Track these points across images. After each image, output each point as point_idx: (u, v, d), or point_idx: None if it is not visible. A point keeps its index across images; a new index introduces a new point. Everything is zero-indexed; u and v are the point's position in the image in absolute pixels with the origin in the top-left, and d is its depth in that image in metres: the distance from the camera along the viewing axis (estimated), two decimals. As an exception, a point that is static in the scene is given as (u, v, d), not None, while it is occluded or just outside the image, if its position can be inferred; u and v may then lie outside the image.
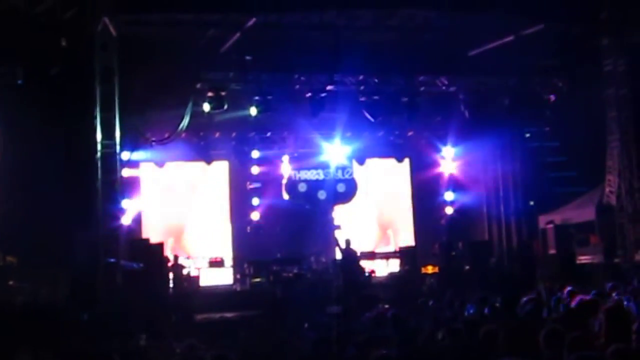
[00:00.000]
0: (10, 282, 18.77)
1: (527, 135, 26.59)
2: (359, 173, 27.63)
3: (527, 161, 26.30)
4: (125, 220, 22.17)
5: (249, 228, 26.25)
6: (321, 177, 27.04)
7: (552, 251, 22.95)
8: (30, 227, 19.65)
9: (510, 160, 26.79)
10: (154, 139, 23.69)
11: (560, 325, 7.11)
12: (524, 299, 11.87)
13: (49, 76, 19.55)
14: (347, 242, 23.37)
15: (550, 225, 23.32)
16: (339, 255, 25.26)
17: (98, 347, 8.42)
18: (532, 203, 25.88)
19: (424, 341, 8.50)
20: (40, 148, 19.64)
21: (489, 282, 20.66)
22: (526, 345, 6.71)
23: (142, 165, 25.19)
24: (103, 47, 19.42)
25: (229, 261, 26.14)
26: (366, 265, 24.84)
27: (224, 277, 25.94)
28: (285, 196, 26.66)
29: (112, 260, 19.93)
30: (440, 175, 27.78)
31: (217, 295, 23.33)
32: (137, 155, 23.80)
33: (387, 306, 14.55)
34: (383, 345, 7.66)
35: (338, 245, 22.49)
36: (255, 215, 26.30)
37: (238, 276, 25.67)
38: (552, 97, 24.54)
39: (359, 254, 23.91)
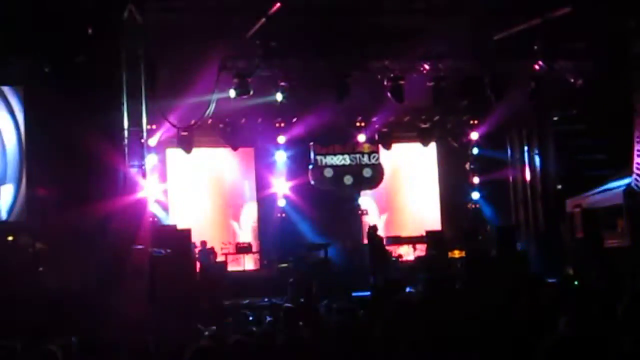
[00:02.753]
0: (41, 269, 18.94)
1: (555, 118, 26.43)
2: (386, 158, 27.58)
3: (554, 145, 26.16)
4: (153, 206, 22.31)
5: (275, 214, 26.30)
6: (347, 162, 27.01)
7: (579, 235, 22.86)
8: (59, 214, 19.81)
9: (537, 144, 26.67)
10: (180, 125, 23.79)
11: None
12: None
13: (75, 64, 19.66)
14: (374, 228, 23.45)
15: (578, 209, 23.21)
16: (366, 241, 25.40)
17: (126, 334, 8.49)
18: (559, 187, 25.76)
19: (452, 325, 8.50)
20: (67, 136, 19.76)
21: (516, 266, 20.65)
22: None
23: (168, 151, 25.29)
24: (129, 35, 19.51)
25: (255, 247, 26.22)
26: (393, 249, 24.90)
27: (251, 262, 26.05)
28: (312, 182, 26.66)
29: (140, 246, 20.08)
30: (466, 158, 27.69)
31: (244, 281, 23.45)
32: (163, 141, 23.89)
33: (413, 290, 14.58)
34: (409, 328, 7.67)
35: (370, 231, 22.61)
36: (281, 202, 26.35)
37: (265, 262, 25.77)
38: (580, 81, 24.34)
39: (384, 240, 24.00)
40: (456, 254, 24.22)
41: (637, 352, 5.12)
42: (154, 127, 22.50)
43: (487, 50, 22.67)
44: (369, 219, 26.85)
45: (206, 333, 10.67)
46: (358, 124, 26.51)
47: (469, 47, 22.26)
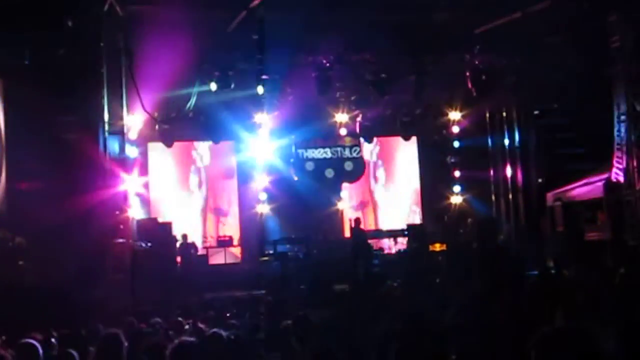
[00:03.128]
0: (20, 263, 18.85)
1: (536, 112, 26.52)
2: (367, 151, 27.61)
3: (535, 138, 26.26)
4: (133, 200, 22.24)
5: (256, 207, 26.27)
6: (329, 155, 27.03)
7: (560, 228, 22.96)
8: (38, 208, 19.71)
9: (519, 138, 26.75)
10: (161, 118, 23.73)
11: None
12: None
13: (55, 56, 19.55)
14: (357, 221, 23.45)
15: (558, 203, 23.31)
16: (347, 234, 25.44)
17: (106, 327, 8.45)
18: (540, 180, 25.86)
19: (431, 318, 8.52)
20: (47, 128, 19.67)
21: (496, 260, 20.71)
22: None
23: (149, 144, 25.22)
24: (110, 27, 19.43)
25: (237, 240, 26.20)
26: (374, 243, 24.92)
27: (233, 256, 26.02)
28: (293, 175, 26.64)
29: (121, 239, 20.03)
30: (447, 152, 27.74)
31: (226, 274, 23.43)
32: (144, 134, 23.81)
33: (395, 284, 14.59)
34: (390, 321, 7.69)
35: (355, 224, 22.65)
36: (262, 195, 26.32)
37: (246, 255, 25.75)
38: (560, 74, 24.42)
39: (367, 233, 24.02)
40: (437, 247, 24.28)
41: (622, 343, 5.15)
42: (134, 120, 22.38)
43: (469, 44, 22.70)
44: (351, 213, 26.90)
45: (186, 327, 10.66)
46: (339, 118, 26.45)
47: (451, 41, 22.26)
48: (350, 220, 24.15)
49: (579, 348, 4.09)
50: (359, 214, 26.45)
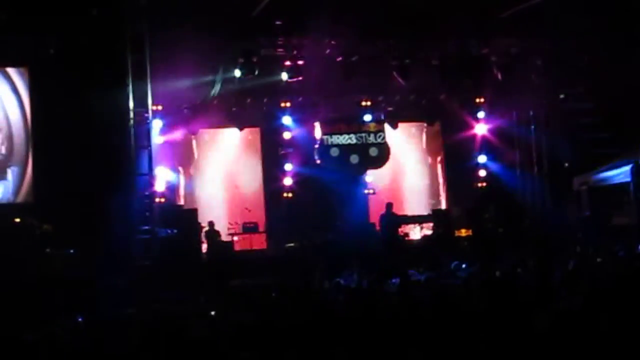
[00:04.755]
0: (47, 250, 19.00)
1: (561, 96, 26.34)
2: (392, 136, 27.53)
3: (561, 123, 26.08)
4: (159, 187, 22.33)
5: (282, 193, 26.28)
6: (353, 141, 26.94)
7: (587, 213, 22.84)
8: (65, 195, 19.85)
9: (544, 122, 26.59)
10: (185, 106, 23.77)
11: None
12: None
13: (80, 46, 19.64)
14: (389, 206, 23.50)
15: (585, 187, 23.18)
16: (372, 219, 25.45)
17: (132, 314, 8.51)
18: (566, 165, 25.70)
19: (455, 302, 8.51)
20: (73, 117, 19.80)
21: (522, 245, 20.67)
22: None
23: (174, 132, 25.25)
24: (133, 15, 19.49)
25: (262, 226, 26.23)
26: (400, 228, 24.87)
27: (258, 242, 26.05)
28: (318, 161, 26.61)
29: (147, 227, 20.14)
30: (472, 138, 27.59)
31: (251, 261, 23.46)
32: (169, 122, 23.86)
33: (418, 270, 14.56)
34: (415, 307, 7.69)
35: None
36: (287, 181, 26.31)
37: (272, 241, 25.78)
38: (587, 58, 24.26)
39: (399, 218, 24.06)
40: (463, 232, 24.22)
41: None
42: (159, 108, 22.43)
43: (493, 28, 22.58)
44: (376, 198, 26.88)
45: (212, 313, 10.69)
46: (364, 103, 26.38)
47: (476, 25, 22.15)
48: (385, 203, 24.12)
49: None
50: (385, 200, 26.43)
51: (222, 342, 6.06)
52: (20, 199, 21.59)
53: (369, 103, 26.32)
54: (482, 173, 27.29)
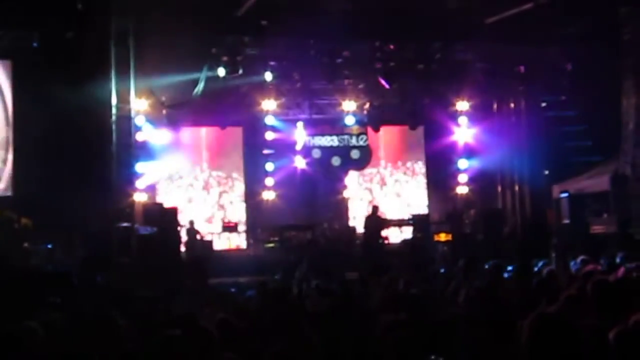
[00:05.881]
0: (25, 244, 18.88)
1: (543, 104, 26.43)
2: (374, 140, 27.57)
3: (543, 130, 26.15)
4: (140, 184, 22.26)
5: (262, 194, 26.27)
6: (335, 143, 27.02)
7: (566, 221, 22.90)
8: (45, 190, 19.75)
9: (525, 129, 26.66)
10: (168, 103, 23.70)
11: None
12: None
13: (64, 40, 19.56)
14: (374, 209, 23.54)
15: (565, 195, 23.26)
16: (351, 223, 25.47)
17: (110, 310, 8.44)
18: (546, 172, 25.78)
19: (434, 308, 8.52)
20: (55, 111, 19.69)
21: (502, 251, 20.71)
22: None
23: (157, 129, 25.18)
24: (118, 10, 19.39)
25: (242, 226, 26.21)
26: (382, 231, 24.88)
27: (238, 242, 26.04)
28: (299, 162, 26.62)
29: (126, 224, 20.04)
30: (454, 143, 27.66)
31: (231, 260, 23.44)
32: (151, 119, 23.78)
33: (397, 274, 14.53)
34: (394, 311, 7.68)
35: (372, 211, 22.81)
36: (269, 181, 26.31)
37: (252, 241, 25.77)
38: (569, 66, 24.36)
39: (383, 221, 24.08)
40: (442, 237, 24.26)
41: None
42: (142, 104, 22.36)
43: (479, 33, 22.62)
44: (357, 201, 26.93)
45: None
46: (347, 106, 26.38)
47: (461, 30, 22.19)
48: (371, 206, 24.11)
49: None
50: (364, 202, 26.49)
51: (202, 341, 6.03)
52: (-1, 192, 21.48)
53: (352, 105, 26.33)
54: (463, 178, 27.36)
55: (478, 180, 27.47)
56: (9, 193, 21.40)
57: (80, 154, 19.62)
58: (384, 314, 7.67)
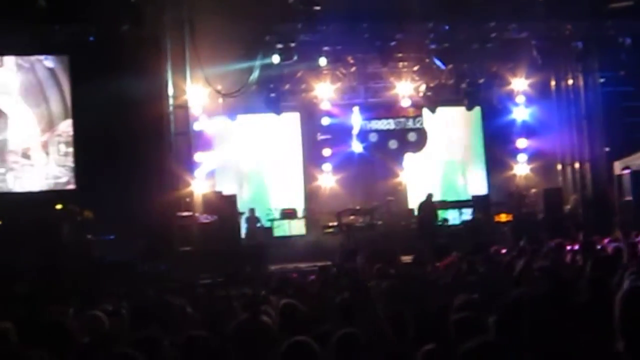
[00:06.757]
0: (89, 236, 19.17)
1: (602, 80, 26.05)
2: (430, 121, 27.41)
3: (602, 106, 25.81)
4: (199, 173, 22.43)
5: (321, 179, 26.31)
6: (392, 126, 26.89)
7: (628, 198, 22.59)
8: (106, 182, 20.02)
9: (585, 106, 26.33)
10: (224, 92, 23.81)
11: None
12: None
13: (119, 32, 19.75)
14: (429, 196, 23.49)
15: (627, 171, 22.93)
16: (410, 205, 25.41)
17: (172, 298, 8.55)
18: (607, 149, 25.43)
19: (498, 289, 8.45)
20: (113, 104, 19.93)
21: (563, 229, 20.50)
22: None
23: (213, 118, 25.32)
24: (172, 1, 19.54)
25: (301, 212, 26.27)
26: (439, 213, 24.79)
27: (297, 228, 26.10)
28: (356, 146, 26.59)
29: (187, 213, 20.24)
30: (512, 122, 27.41)
31: (291, 246, 23.56)
32: (208, 108, 23.91)
33: (458, 254, 14.47)
34: (460, 292, 7.65)
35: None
36: (326, 166, 26.34)
37: (311, 227, 25.81)
38: (628, 41, 23.96)
39: (437, 205, 23.99)
40: (503, 217, 24.08)
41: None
42: (198, 94, 22.49)
43: (533, 11, 22.36)
44: (415, 184, 26.83)
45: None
46: (403, 88, 26.26)
47: (515, 7, 21.96)
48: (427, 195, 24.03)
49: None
50: (423, 185, 26.37)
51: (266, 327, 6.07)
52: (61, 185, 21.81)
53: (407, 88, 26.21)
54: (522, 157, 27.11)
55: (537, 159, 27.16)
56: (72, 186, 21.73)
57: (138, 146, 19.87)
58: (448, 295, 7.64)
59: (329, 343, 5.66)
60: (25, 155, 21.79)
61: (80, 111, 21.56)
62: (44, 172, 21.87)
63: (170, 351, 5.70)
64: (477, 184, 28.01)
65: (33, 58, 21.92)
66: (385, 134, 26.73)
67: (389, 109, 26.96)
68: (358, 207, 24.75)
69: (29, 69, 21.91)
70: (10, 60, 21.87)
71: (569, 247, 13.62)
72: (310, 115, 26.68)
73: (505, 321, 5.47)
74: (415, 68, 25.88)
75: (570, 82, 26.62)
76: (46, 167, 21.88)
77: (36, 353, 5.49)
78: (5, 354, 5.80)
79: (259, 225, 24.32)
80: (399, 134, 26.84)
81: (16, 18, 19.28)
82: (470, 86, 26.49)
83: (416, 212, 24.15)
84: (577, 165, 26.70)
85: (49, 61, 21.93)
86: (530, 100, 26.96)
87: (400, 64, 25.44)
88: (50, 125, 21.91)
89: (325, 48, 23.50)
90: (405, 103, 26.47)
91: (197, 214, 20.70)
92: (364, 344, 5.71)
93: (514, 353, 4.66)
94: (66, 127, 21.84)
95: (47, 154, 21.86)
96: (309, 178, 26.78)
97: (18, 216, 19.08)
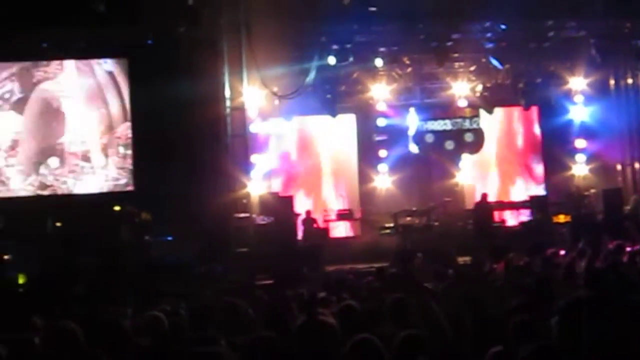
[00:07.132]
0: (146, 237, 19.36)
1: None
2: (487, 122, 27.21)
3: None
4: (255, 174, 22.52)
5: (377, 180, 26.27)
6: (448, 127, 26.73)
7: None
8: (163, 184, 20.21)
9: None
10: (280, 93, 23.89)
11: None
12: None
13: (177, 35, 19.92)
14: (483, 196, 23.31)
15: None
16: (468, 206, 25.24)
17: (229, 299, 8.58)
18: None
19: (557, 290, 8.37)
20: (171, 106, 20.11)
21: (623, 231, 20.23)
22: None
23: (269, 120, 25.43)
24: (228, 3, 19.65)
25: (357, 213, 26.24)
26: (496, 215, 24.62)
27: (353, 229, 26.10)
28: (413, 147, 26.50)
29: (244, 214, 20.34)
30: (570, 122, 27.10)
31: (347, 247, 23.54)
32: (264, 110, 24.01)
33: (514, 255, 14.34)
34: (517, 294, 7.58)
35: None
36: (382, 167, 26.29)
37: (367, 228, 25.78)
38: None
39: (493, 206, 23.81)
40: (561, 218, 23.82)
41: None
42: (255, 95, 22.60)
43: (592, 9, 22.10)
44: (471, 184, 26.67)
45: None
46: (459, 88, 26.13)
47: (574, 6, 21.72)
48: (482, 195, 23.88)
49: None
50: (480, 185, 26.18)
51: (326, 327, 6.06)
52: (120, 187, 22.06)
53: (464, 88, 26.07)
54: (581, 158, 26.79)
55: (596, 159, 26.83)
56: (131, 188, 21.97)
57: (195, 148, 20.02)
58: (507, 296, 7.59)
59: (390, 344, 5.65)
60: (85, 158, 22.09)
61: (138, 113, 21.81)
62: (103, 174, 22.15)
63: (231, 352, 5.72)
64: (535, 184, 27.75)
65: (93, 61, 22.23)
66: (441, 135, 26.58)
67: (445, 110, 26.84)
68: (414, 208, 24.67)
69: (89, 72, 22.22)
70: (70, 64, 22.21)
71: (629, 249, 13.44)
72: (366, 117, 26.65)
73: (567, 323, 5.40)
74: (472, 68, 25.73)
75: (630, 80, 26.27)
76: (105, 169, 22.16)
77: (102, 354, 5.55)
78: (76, 355, 5.86)
79: (315, 226, 24.35)
80: (456, 134, 26.67)
81: (75, 22, 19.56)
82: (527, 86, 26.24)
83: (473, 214, 23.99)
84: (637, 165, 26.34)
85: (108, 64, 22.23)
86: (588, 100, 26.62)
87: (456, 64, 25.31)
88: (109, 127, 22.19)
89: (381, 49, 23.47)
90: (462, 103, 26.33)
91: (253, 215, 20.81)
92: (427, 345, 5.70)
93: (575, 356, 4.60)
94: (125, 129, 22.10)
95: (107, 156, 22.15)
96: (364, 179, 26.75)
97: (78, 218, 19.34)
